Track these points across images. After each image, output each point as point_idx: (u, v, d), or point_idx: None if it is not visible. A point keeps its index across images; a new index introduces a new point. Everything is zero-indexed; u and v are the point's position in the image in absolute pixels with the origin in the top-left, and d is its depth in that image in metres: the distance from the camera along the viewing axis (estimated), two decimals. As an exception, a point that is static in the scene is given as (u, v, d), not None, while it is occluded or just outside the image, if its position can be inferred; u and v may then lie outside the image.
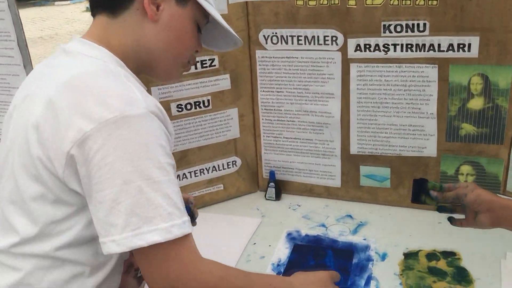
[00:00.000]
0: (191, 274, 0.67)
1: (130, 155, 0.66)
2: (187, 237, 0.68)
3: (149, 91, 1.20)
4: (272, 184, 1.38)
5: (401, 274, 1.04)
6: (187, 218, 0.69)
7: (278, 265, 1.09)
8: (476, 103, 1.16)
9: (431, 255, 1.10)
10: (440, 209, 0.95)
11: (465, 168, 1.22)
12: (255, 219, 1.29)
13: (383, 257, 1.10)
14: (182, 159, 1.31)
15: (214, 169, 1.36)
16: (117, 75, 0.73)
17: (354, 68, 1.23)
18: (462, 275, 1.03)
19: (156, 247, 0.65)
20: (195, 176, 1.34)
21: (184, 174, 1.33)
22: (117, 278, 0.80)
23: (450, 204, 0.92)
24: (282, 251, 1.15)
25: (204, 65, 1.26)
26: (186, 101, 1.26)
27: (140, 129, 0.67)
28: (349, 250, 1.13)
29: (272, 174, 1.38)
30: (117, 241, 0.65)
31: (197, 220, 1.06)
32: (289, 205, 1.36)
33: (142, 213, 0.65)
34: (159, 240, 0.65)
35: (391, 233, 1.19)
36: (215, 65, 1.27)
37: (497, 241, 1.03)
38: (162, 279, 0.67)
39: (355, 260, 1.10)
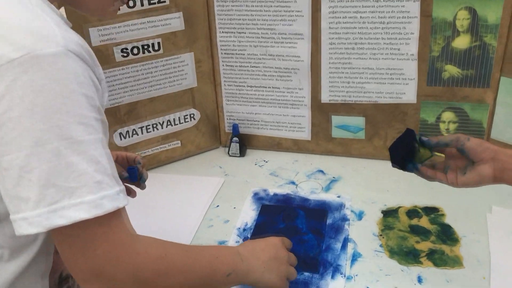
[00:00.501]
0: (123, 257, 0.54)
1: (43, 107, 0.49)
2: (119, 211, 0.54)
3: (86, 33, 1.01)
4: (235, 139, 1.23)
5: (380, 235, 0.93)
6: (121, 187, 0.54)
7: (244, 229, 0.97)
8: (462, 42, 1.03)
9: (412, 212, 1.00)
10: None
11: (447, 115, 1.11)
12: (217, 178, 1.15)
13: (360, 216, 1.00)
14: (131, 112, 1.14)
15: (169, 123, 1.20)
16: (27, 4, 0.55)
17: (325, 4, 1.07)
18: (447, 233, 0.93)
19: (81, 225, 0.50)
20: (147, 132, 1.18)
21: (134, 130, 1.16)
22: (47, 260, 0.65)
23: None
24: (248, 214, 1.02)
25: (152, 2, 1.07)
26: (132, 44, 1.08)
27: (56, 72, 0.51)
28: (322, 209, 1.02)
29: (235, 127, 1.23)
30: (30, 220, 0.49)
31: (151, 182, 0.92)
32: (254, 162, 1.23)
33: (61, 182, 0.49)
34: (85, 217, 0.50)
35: (367, 189, 1.08)
36: (164, 1, 1.08)
37: (481, 194, 0.93)
38: (87, 265, 0.52)
39: (329, 221, 0.98)
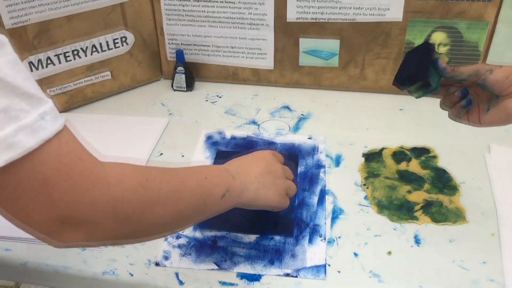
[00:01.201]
0: (92, 191, 0.41)
1: None
2: (66, 131, 0.41)
3: None
4: (180, 68, 1.00)
5: (364, 184, 0.76)
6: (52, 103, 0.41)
7: (195, 183, 0.77)
8: None
9: (399, 155, 0.83)
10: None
11: (438, 36, 0.92)
12: (159, 119, 0.93)
13: (337, 161, 0.82)
14: (42, 35, 0.87)
15: (94, 49, 0.94)
16: None
17: None
18: (442, 179, 0.77)
19: (26, 159, 0.38)
20: (67, 60, 0.92)
21: (49, 58, 0.90)
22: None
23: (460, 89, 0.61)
24: (200, 163, 0.82)
25: None
26: None
27: None
28: (292, 154, 0.83)
29: (179, 54, 0.99)
30: None
31: (74, 125, 0.68)
32: (205, 97, 1.00)
33: None
34: (32, 146, 0.38)
35: (343, 128, 0.90)
36: None
37: (475, 130, 0.78)
38: (47, 209, 0.40)
39: (301, 169, 0.80)
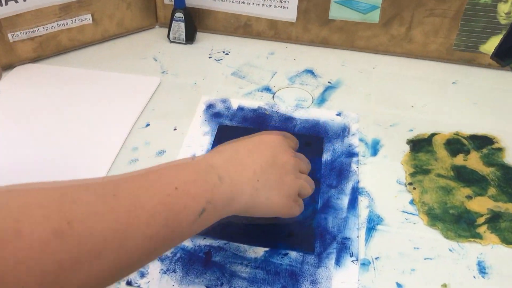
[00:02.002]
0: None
1: None
2: None
3: None
4: (180, 15, 0.80)
5: (410, 183, 0.58)
6: None
7: (188, 168, 0.59)
8: None
9: (454, 144, 0.64)
10: None
11: (515, -9, 0.71)
12: (149, 78, 0.74)
13: (374, 148, 0.63)
14: (-2, -39, 0.67)
15: (69, -16, 0.74)
16: None
17: None
18: (513, 182, 0.59)
19: None
20: (33, -3, 0.72)
21: (9, -7, 0.70)
22: None
23: None
24: (196, 139, 0.63)
25: None
26: None
27: None
28: (315, 136, 0.64)
29: (179, -3, 0.79)
30: None
31: (39, 81, 0.52)
32: (209, 53, 0.81)
33: None
34: None
35: (381, 103, 0.71)
36: None
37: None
38: None
39: (326, 156, 0.61)
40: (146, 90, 0.71)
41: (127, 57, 0.78)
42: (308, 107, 0.69)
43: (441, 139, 0.64)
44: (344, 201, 0.55)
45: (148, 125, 0.65)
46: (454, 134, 0.65)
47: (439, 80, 0.75)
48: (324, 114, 0.68)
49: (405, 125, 0.66)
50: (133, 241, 0.31)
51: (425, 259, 0.50)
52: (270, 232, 0.52)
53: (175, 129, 0.65)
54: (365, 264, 0.49)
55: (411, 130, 0.66)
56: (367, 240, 0.52)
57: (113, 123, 0.65)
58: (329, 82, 0.74)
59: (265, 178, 0.43)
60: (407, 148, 0.63)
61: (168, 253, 0.50)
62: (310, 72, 0.76)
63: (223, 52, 0.80)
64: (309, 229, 0.52)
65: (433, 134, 0.65)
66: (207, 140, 0.63)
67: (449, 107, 0.70)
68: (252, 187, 0.42)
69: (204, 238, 0.51)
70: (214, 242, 0.51)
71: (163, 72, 0.75)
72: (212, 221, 0.39)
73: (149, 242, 0.33)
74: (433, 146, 0.63)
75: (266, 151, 0.45)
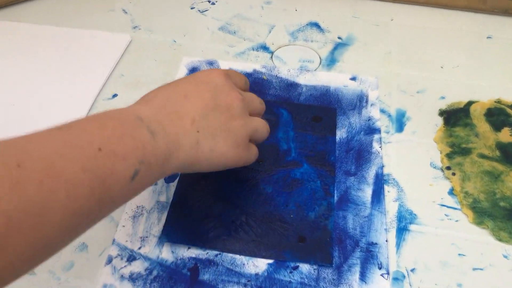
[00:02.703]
0: None
1: None
2: None
3: None
4: (153, -45, 0.64)
5: (447, 168, 0.46)
6: None
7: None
8: None
9: (497, 114, 0.51)
10: None
11: None
12: (117, 35, 0.59)
13: (400, 121, 0.51)
14: None
15: None
16: None
17: None
18: None
19: None
20: None
21: None
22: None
23: None
24: (176, 114, 0.50)
25: None
26: None
27: None
28: (325, 107, 0.52)
29: None
30: None
31: None
32: (191, 2, 0.66)
33: None
34: None
35: (404, 63, 0.58)
36: None
37: None
38: None
39: (340, 134, 0.49)
40: (112, 50, 0.57)
41: (90, 9, 0.64)
42: (315, 69, 0.56)
43: (480, 109, 0.52)
44: (367, 193, 0.44)
45: (115, 95, 0.52)
46: (496, 102, 0.53)
47: (470, 34, 0.62)
48: (336, 79, 0.55)
49: (435, 91, 0.54)
50: (50, 219, 0.25)
51: (474, 269, 0.39)
52: (275, 237, 0.40)
53: (150, 101, 0.51)
54: (398, 279, 0.38)
55: (443, 98, 0.53)
56: (398, 245, 0.40)
57: (71, 94, 0.51)
58: (339, 38, 0.61)
59: (206, 126, 0.35)
60: (439, 120, 0.51)
61: (142, 269, 0.38)
62: (316, 25, 0.62)
63: (209, 1, 0.66)
64: (325, 232, 0.40)
65: (470, 103, 0.53)
66: (191, 114, 0.50)
67: (485, 67, 0.57)
68: (191, 138, 0.35)
69: (189, 249, 0.39)
70: (202, 254, 0.39)
71: (134, 28, 0.61)
72: (148, 183, 0.32)
73: (72, 218, 0.26)
74: (471, 117, 0.51)
75: (205, 93, 0.36)
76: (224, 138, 0.36)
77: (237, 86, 0.39)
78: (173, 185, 0.44)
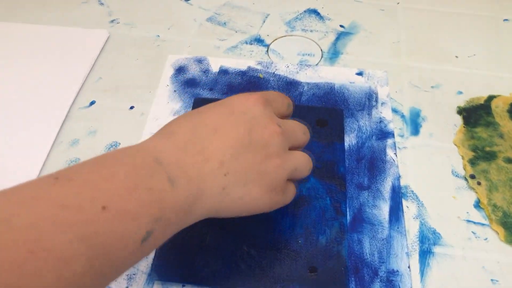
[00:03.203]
0: None
1: None
2: None
3: None
4: None
5: (471, 176, 0.41)
6: None
7: (154, 168, 0.41)
8: None
9: (523, 111, 0.46)
10: None
11: None
12: (94, 31, 0.53)
13: (415, 122, 0.45)
14: None
15: None
16: None
17: None
18: None
19: None
20: None
21: None
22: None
23: None
24: (165, 122, 0.44)
25: None
26: None
27: None
28: (330, 109, 0.46)
29: None
30: None
31: None
32: (175, -10, 0.59)
33: None
34: None
35: (415, 54, 0.52)
36: None
37: None
38: None
39: (350, 140, 0.43)
40: (88, 50, 0.50)
41: (59, 2, 0.57)
42: (316, 64, 0.50)
43: (503, 104, 0.47)
44: (383, 210, 0.38)
45: (93, 103, 0.46)
46: (518, 95, 0.48)
47: (484, 18, 0.56)
48: (340, 74, 0.49)
49: (450, 86, 0.48)
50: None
51: (509, 298, 0.34)
52: (281, 267, 0.35)
53: (131, 108, 0.45)
54: (424, 314, 0.33)
55: (460, 93, 0.48)
56: (422, 272, 0.35)
57: (42, 103, 0.45)
58: (341, 26, 0.55)
59: (236, 169, 0.29)
60: (458, 120, 0.45)
61: (130, 315, 0.33)
62: (314, 12, 0.56)
63: (194, -12, 0.59)
64: (338, 260, 0.35)
65: (491, 97, 0.47)
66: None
67: (505, 55, 0.52)
68: (218, 183, 0.28)
69: (183, 286, 0.34)
70: (199, 293, 0.34)
71: (112, 22, 0.54)
72: (162, 241, 0.26)
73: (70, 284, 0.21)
74: (493, 115, 0.46)
75: (239, 127, 0.30)
76: (257, 182, 0.30)
77: (278, 112, 0.33)
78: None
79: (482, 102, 0.47)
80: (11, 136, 0.42)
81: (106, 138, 0.43)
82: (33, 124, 0.43)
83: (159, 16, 0.55)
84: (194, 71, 0.49)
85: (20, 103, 0.45)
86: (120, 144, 0.42)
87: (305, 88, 0.48)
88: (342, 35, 0.53)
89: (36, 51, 0.50)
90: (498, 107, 0.46)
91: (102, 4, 0.56)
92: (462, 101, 0.47)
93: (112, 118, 0.44)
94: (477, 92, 0.48)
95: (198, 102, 0.46)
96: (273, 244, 0.36)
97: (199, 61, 0.50)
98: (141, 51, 0.51)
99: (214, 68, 0.49)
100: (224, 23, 0.54)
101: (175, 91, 0.47)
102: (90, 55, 0.50)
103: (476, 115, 0.45)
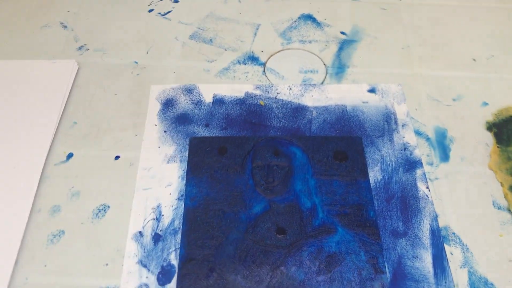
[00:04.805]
0: None
1: None
2: None
3: None
4: None
5: (515, 207, 0.36)
6: None
7: (156, 220, 0.34)
8: None
9: (557, 121, 0.42)
10: None
11: None
12: (60, 62, 0.45)
13: (442, 145, 0.40)
14: None
15: None
16: None
17: None
18: None
19: None
20: None
21: None
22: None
23: None
24: (159, 173, 0.38)
25: None
26: None
27: None
28: (347, 138, 0.40)
29: None
30: None
31: None
32: (148, 2, 0.51)
33: None
34: None
35: (428, 59, 0.46)
36: None
37: None
38: None
39: (374, 175, 0.38)
40: (56, 87, 0.43)
41: (16, 27, 0.48)
42: (322, 82, 0.44)
43: (534, 114, 0.42)
44: (426, 260, 0.33)
45: (70, 156, 0.39)
46: (548, 101, 0.43)
47: (496, 10, 0.51)
48: (350, 93, 0.43)
49: (473, 96, 0.43)
50: None
51: None
52: None
53: (117, 158, 0.39)
54: None
55: (486, 104, 0.43)
56: (482, 335, 0.31)
57: (10, 164, 0.38)
58: (342, 33, 0.48)
59: None
60: (489, 137, 0.40)
61: None
62: (310, 18, 0.50)
63: (170, -1, 0.52)
64: (385, 332, 0.30)
65: (520, 107, 0.42)
66: (175, 170, 0.38)
67: (524, 53, 0.47)
68: None
69: None
70: None
71: (80, 48, 0.47)
72: None
73: None
74: (526, 128, 0.41)
75: None
76: None
77: None
78: (170, 287, 0.32)
79: (511, 114, 0.42)
80: (-24, 210, 0.35)
81: (92, 200, 0.36)
82: (3, 193, 0.36)
83: (134, 37, 0.48)
84: (184, 103, 0.42)
85: (-18, 164, 0.38)
86: (109, 207, 0.36)
87: (314, 114, 0.42)
88: (345, 44, 0.47)
89: (-6, 94, 0.42)
90: (529, 118, 0.42)
91: (65, 27, 0.48)
92: (489, 114, 0.42)
93: (95, 173, 0.37)
94: (504, 101, 0.43)
95: (195, 143, 0.39)
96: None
97: (188, 90, 0.43)
98: (118, 82, 0.44)
99: (207, 97, 0.42)
100: (210, 39, 0.48)
101: (165, 131, 0.40)
102: (60, 93, 0.42)
103: (508, 130, 0.41)
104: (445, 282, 0.32)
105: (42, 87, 0.43)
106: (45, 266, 0.33)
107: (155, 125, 0.40)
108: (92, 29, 0.48)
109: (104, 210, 0.35)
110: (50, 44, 0.47)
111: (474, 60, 0.46)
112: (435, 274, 0.33)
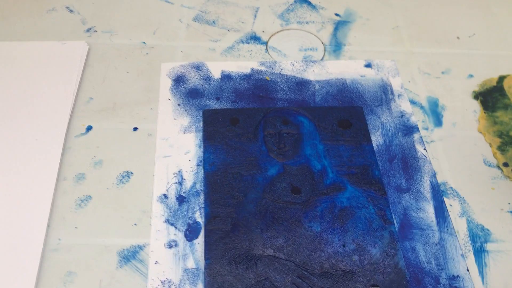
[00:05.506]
0: None
1: None
2: None
3: None
4: None
5: (505, 165, 0.40)
6: None
7: (179, 184, 0.37)
8: None
9: (535, 89, 0.46)
10: None
11: None
12: (70, 43, 0.46)
13: (435, 113, 0.43)
14: None
15: None
16: None
17: None
18: None
19: None
20: None
21: None
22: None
23: None
24: (176, 141, 0.40)
25: None
26: None
27: None
28: (349, 108, 0.43)
29: None
30: None
31: None
32: (150, -12, 0.54)
33: None
34: None
35: (417, 38, 0.50)
36: None
37: None
38: None
39: (376, 140, 0.41)
40: (69, 66, 0.44)
41: (23, 9, 0.50)
42: (321, 59, 0.47)
43: (514, 84, 0.46)
44: (429, 211, 0.37)
45: (90, 128, 0.40)
46: (526, 73, 0.47)
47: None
48: (348, 68, 0.46)
49: (459, 69, 0.47)
50: None
51: None
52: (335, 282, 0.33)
53: (135, 129, 0.41)
54: (494, 317, 0.32)
55: (471, 76, 0.47)
56: (482, 273, 0.34)
57: (32, 138, 0.39)
58: (336, 15, 0.52)
59: None
60: (476, 105, 0.44)
61: None
62: (305, 1, 0.53)
63: (171, -16, 0.54)
64: (398, 273, 0.33)
65: (502, 78, 0.47)
66: (192, 139, 0.40)
67: (505, 30, 0.51)
68: None
69: (243, 329, 0.31)
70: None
71: (88, 30, 0.48)
72: None
73: None
74: (508, 96, 0.45)
75: None
76: None
77: None
78: (198, 242, 0.34)
79: (494, 84, 0.46)
80: (7, 185, 0.36)
81: (115, 168, 0.38)
82: (28, 164, 0.37)
83: (140, 20, 0.50)
84: (194, 79, 0.44)
85: (6, 141, 0.39)
86: (132, 173, 0.38)
87: (317, 87, 0.45)
88: (340, 24, 0.51)
89: (7, 74, 0.43)
90: (511, 87, 0.46)
91: (71, 11, 0.50)
92: (475, 85, 0.46)
93: (116, 144, 0.39)
94: (487, 74, 0.47)
95: (209, 115, 0.42)
96: (328, 265, 0.33)
97: (197, 67, 0.45)
98: (129, 61, 0.46)
99: (215, 74, 0.45)
100: (213, 21, 0.50)
101: (179, 105, 0.42)
102: (73, 72, 0.44)
103: (492, 98, 0.45)
104: (447, 230, 0.36)
105: (54, 67, 0.44)
106: (76, 228, 0.35)
107: (169, 99, 0.43)
108: (97, 13, 0.50)
109: (128, 176, 0.37)
110: (58, 27, 0.48)
111: (458, 38, 0.50)
112: (438, 222, 0.36)
